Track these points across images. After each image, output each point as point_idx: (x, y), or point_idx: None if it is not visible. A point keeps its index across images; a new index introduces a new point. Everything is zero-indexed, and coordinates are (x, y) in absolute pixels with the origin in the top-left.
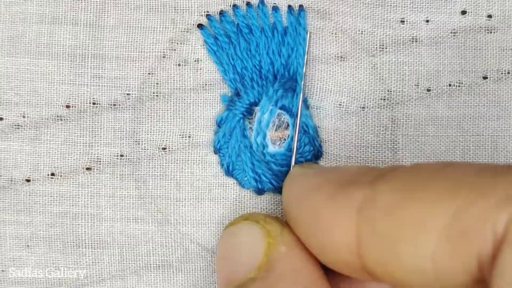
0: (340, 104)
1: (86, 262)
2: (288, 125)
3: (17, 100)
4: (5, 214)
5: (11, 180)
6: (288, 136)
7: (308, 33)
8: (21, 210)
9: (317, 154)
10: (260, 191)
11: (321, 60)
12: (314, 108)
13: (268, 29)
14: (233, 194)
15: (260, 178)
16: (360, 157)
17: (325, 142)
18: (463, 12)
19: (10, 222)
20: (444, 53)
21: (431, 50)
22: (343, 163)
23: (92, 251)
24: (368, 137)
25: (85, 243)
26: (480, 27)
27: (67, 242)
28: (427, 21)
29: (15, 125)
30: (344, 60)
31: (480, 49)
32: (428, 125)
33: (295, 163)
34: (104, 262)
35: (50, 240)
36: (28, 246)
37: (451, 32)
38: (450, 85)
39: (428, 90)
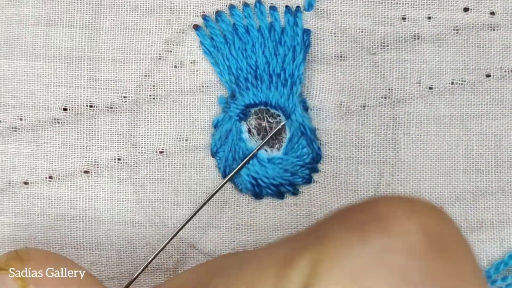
0: (340, 104)
1: (83, 264)
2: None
3: (14, 103)
4: (3, 217)
5: (9, 183)
6: (286, 138)
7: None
8: (19, 212)
9: (316, 157)
10: (258, 196)
11: (321, 61)
12: (314, 110)
13: (265, 28)
14: (232, 199)
15: (257, 182)
16: (361, 157)
17: (325, 144)
18: (466, 9)
19: (8, 225)
20: (447, 51)
21: (433, 48)
22: (343, 165)
23: (90, 253)
24: (368, 137)
25: (83, 245)
26: (483, 24)
27: (65, 244)
28: (429, 18)
29: (12, 128)
30: (344, 60)
31: (483, 47)
32: (430, 124)
33: (293, 166)
34: (102, 265)
35: (48, 243)
36: (26, 248)
37: (453, 29)
38: (452, 83)
39: (430, 88)
